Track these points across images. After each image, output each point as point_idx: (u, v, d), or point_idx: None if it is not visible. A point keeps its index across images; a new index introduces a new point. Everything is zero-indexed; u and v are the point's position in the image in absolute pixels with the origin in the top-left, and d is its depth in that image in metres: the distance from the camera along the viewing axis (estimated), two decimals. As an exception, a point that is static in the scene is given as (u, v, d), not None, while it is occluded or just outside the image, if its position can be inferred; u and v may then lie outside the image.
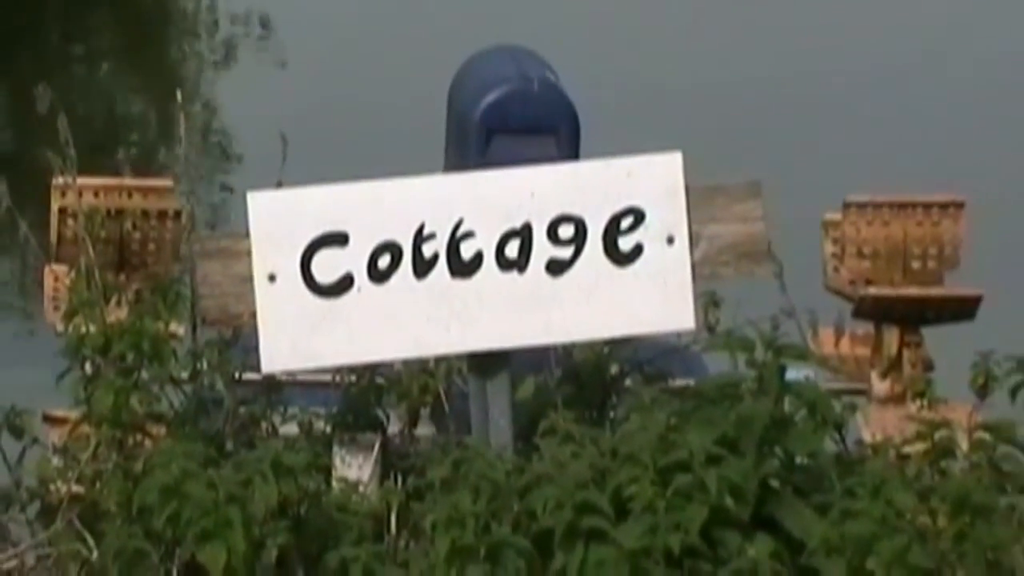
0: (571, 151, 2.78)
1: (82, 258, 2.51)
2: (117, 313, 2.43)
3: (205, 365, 2.36)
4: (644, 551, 1.83)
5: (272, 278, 2.10)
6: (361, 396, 2.37)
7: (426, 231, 2.11)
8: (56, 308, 2.77)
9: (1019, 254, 6.14)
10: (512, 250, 2.13)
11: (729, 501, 1.85)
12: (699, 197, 2.19)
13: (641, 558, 1.84)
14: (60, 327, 2.49)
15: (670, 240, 2.17)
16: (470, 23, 8.35)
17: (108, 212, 2.82)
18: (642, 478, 1.89)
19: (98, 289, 2.43)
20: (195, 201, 3.06)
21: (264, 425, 2.32)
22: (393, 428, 2.46)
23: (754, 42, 10.21)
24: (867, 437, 2.42)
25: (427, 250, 2.11)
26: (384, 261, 2.10)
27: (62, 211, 2.81)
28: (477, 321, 2.14)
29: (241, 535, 1.87)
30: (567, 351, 2.43)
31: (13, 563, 2.23)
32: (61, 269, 2.77)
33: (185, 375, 2.36)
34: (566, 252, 2.14)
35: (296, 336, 2.11)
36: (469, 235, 2.13)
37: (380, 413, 2.38)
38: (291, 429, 2.37)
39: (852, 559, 1.82)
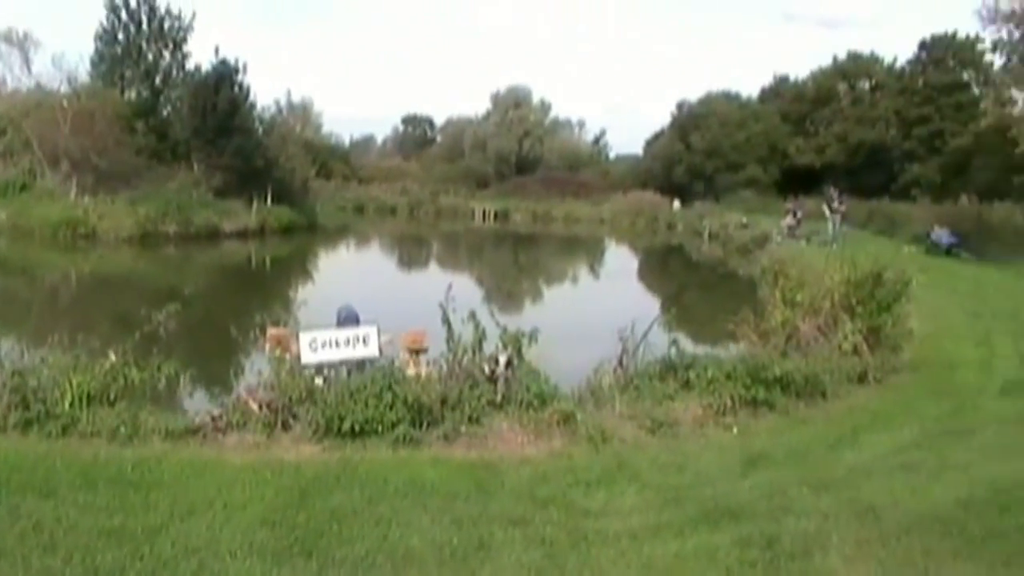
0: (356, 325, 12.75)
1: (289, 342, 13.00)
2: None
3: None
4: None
5: (309, 345, 12.29)
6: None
7: (322, 340, 12.22)
8: (269, 348, 12.89)
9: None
10: (345, 344, 12.29)
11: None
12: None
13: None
14: (268, 353, 12.69)
15: (369, 338, 12.35)
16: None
17: (274, 337, 13.14)
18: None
19: (275, 349, 12.82)
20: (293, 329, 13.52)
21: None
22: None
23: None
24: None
25: (328, 344, 12.26)
26: (321, 344, 12.27)
27: (268, 335, 13.26)
28: (343, 352, 12.31)
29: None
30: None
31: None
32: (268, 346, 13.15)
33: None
34: (358, 342, 12.36)
35: (305, 358, 12.30)
36: (332, 341, 12.17)
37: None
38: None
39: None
